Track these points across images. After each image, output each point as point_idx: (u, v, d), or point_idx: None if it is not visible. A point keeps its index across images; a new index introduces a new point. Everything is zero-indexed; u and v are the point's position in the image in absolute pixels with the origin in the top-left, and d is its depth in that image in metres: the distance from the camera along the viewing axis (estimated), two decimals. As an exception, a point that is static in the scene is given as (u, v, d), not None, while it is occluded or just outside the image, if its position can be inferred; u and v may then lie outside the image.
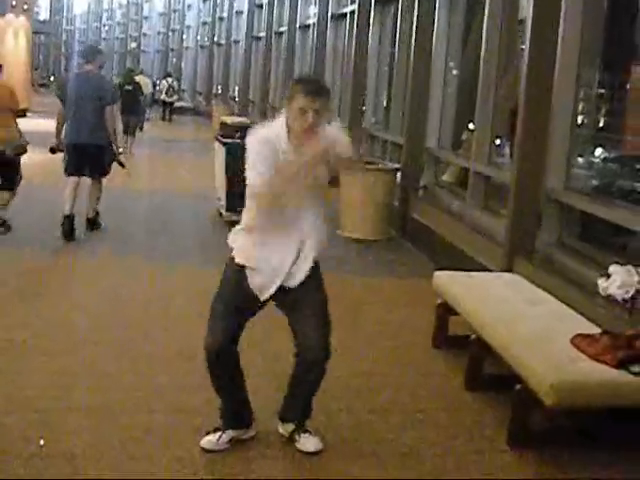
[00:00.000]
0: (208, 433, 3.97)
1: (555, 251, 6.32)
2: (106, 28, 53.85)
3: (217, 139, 10.30)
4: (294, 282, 3.82)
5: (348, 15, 14.85)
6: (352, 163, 4.38)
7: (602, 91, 7.23)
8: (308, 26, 18.67)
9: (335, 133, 3.89)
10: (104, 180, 9.00)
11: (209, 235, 9.44)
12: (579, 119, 6.74)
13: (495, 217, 7.53)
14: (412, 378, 5.11)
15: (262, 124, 4.00)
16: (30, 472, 3.62)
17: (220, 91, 29.86)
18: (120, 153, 8.93)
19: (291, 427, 4.05)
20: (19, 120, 8.85)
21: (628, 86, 7.22)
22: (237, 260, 3.87)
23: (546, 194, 6.41)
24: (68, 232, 8.39)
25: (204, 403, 4.41)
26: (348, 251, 8.52)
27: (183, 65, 37.83)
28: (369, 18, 12.87)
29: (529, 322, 4.72)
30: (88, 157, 8.50)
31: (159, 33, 42.27)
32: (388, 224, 9.52)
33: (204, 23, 34.38)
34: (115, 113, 8.71)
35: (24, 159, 8.81)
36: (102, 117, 8.39)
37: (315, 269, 3.88)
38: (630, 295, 5.00)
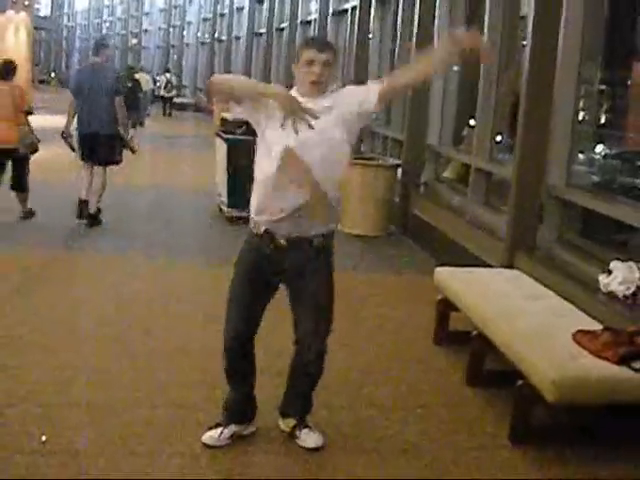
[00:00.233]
0: (210, 429, 3.97)
1: (556, 247, 6.32)
2: (107, 24, 53.78)
3: (218, 135, 10.31)
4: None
5: (349, 11, 14.84)
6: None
7: (603, 87, 7.22)
8: (309, 22, 18.66)
9: (349, 89, 3.84)
10: (108, 174, 9.12)
11: (210, 231, 9.45)
12: (580, 115, 6.73)
13: (496, 213, 7.53)
14: (413, 374, 5.11)
15: None
16: (32, 468, 3.62)
17: (221, 87, 29.78)
18: (130, 139, 9.21)
19: (292, 422, 4.05)
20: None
21: (629, 82, 7.22)
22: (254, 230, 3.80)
23: (547, 190, 6.40)
24: (84, 215, 8.86)
25: (205, 399, 4.42)
26: (349, 247, 8.51)
27: (184, 61, 37.78)
28: (370, 14, 12.85)
29: (530, 318, 4.71)
30: (99, 146, 8.78)
31: (160, 29, 42.21)
32: (389, 220, 9.52)
33: (205, 19, 34.35)
34: (122, 103, 8.93)
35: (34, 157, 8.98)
36: (111, 107, 8.68)
37: (327, 265, 3.86)
38: (631, 291, 5.01)
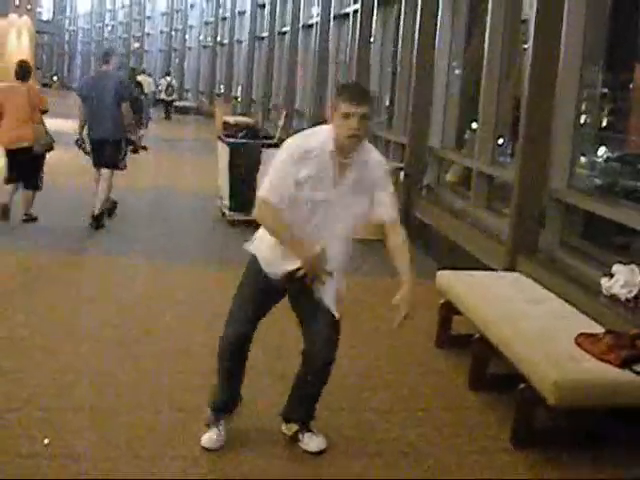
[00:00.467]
0: (206, 432, 3.98)
1: (558, 250, 6.32)
2: (109, 28, 53.84)
3: (220, 139, 10.31)
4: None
5: (351, 15, 14.86)
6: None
7: (605, 90, 7.23)
8: (311, 26, 18.68)
9: (378, 163, 3.87)
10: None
11: (212, 234, 9.45)
12: (582, 118, 6.73)
13: (498, 216, 7.53)
14: (415, 377, 5.11)
15: (306, 132, 3.92)
16: (34, 471, 3.61)
17: (223, 91, 29.88)
18: (139, 138, 9.67)
19: (294, 427, 4.06)
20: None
21: (631, 85, 7.22)
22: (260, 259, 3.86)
23: (549, 193, 6.41)
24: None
25: (207, 401, 4.41)
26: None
27: (186, 65, 37.84)
28: (372, 18, 12.87)
29: (532, 321, 4.71)
30: (105, 151, 9.02)
31: (162, 33, 42.28)
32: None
33: (207, 23, 34.38)
34: (128, 109, 9.15)
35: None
36: (117, 113, 8.91)
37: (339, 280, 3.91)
38: (633, 295, 5.00)
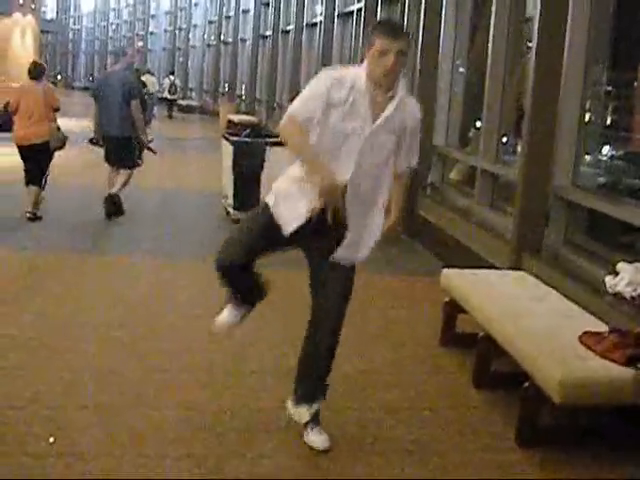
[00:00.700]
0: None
1: (562, 248, 6.32)
2: (113, 27, 53.91)
3: (224, 137, 10.32)
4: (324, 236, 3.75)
5: (355, 13, 14.86)
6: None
7: (610, 89, 7.22)
8: (315, 24, 18.67)
9: (413, 109, 3.81)
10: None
11: (216, 234, 9.44)
12: (587, 117, 6.72)
13: (502, 215, 7.52)
14: (419, 375, 5.11)
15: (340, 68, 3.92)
16: (39, 469, 3.62)
17: (227, 89, 29.90)
18: (149, 141, 9.77)
19: (304, 412, 3.99)
20: None
21: (636, 83, 7.21)
22: (279, 220, 3.78)
23: (554, 192, 6.40)
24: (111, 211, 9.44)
25: (212, 400, 4.43)
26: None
27: (190, 64, 37.86)
28: (376, 16, 12.85)
29: (536, 319, 4.71)
30: (118, 148, 9.33)
31: (166, 32, 42.30)
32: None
33: (211, 22, 34.39)
34: (138, 106, 9.43)
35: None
36: (127, 111, 9.21)
37: None
38: (638, 293, 4.99)
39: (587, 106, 6.65)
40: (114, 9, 54.19)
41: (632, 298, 4.99)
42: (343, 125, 3.64)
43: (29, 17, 27.42)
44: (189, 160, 17.46)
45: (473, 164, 8.52)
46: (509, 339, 4.54)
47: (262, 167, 9.23)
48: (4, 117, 9.37)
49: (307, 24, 19.47)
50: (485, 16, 8.81)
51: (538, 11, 6.47)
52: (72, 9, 63.14)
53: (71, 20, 63.48)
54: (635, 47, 6.85)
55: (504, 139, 8.27)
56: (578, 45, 6.24)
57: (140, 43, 46.34)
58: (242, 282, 4.00)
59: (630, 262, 5.19)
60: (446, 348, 5.61)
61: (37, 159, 9.13)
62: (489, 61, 8.04)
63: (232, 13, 30.21)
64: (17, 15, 26.64)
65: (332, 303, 3.84)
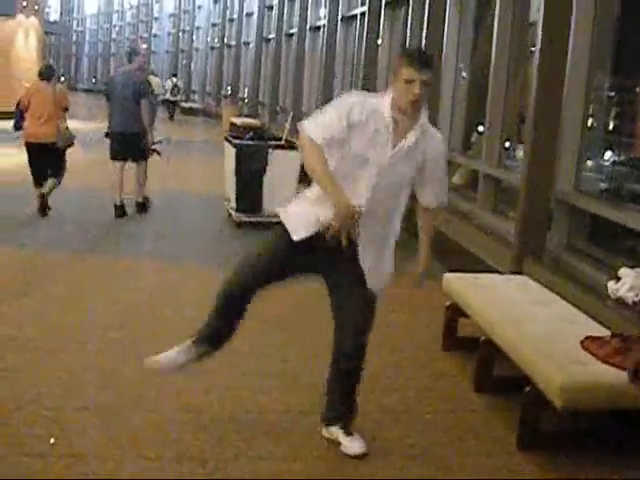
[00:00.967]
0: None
1: (565, 253, 6.31)
2: (116, 29, 53.98)
3: (227, 140, 10.33)
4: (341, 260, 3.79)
5: (358, 17, 14.87)
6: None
7: (612, 94, 7.22)
8: (318, 28, 18.70)
9: (435, 140, 3.85)
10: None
11: (219, 236, 9.45)
12: (589, 122, 6.72)
13: (505, 219, 7.52)
14: (421, 380, 5.10)
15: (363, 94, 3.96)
16: (40, 471, 3.62)
17: (230, 92, 29.94)
18: (155, 142, 10.20)
19: (336, 432, 4.02)
20: None
21: (638, 89, 7.20)
22: (288, 226, 3.80)
23: (556, 196, 6.40)
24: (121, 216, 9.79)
25: (213, 402, 4.42)
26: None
27: (193, 66, 37.90)
28: (379, 20, 12.87)
29: (538, 324, 4.71)
30: (128, 143, 9.73)
31: (169, 34, 42.35)
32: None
33: (214, 24, 34.43)
34: (147, 105, 9.81)
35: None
36: (137, 109, 9.58)
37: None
38: (640, 298, 4.99)
39: (590, 111, 6.65)
40: (117, 11, 54.27)
41: (634, 303, 4.98)
42: (363, 151, 3.68)
43: (32, 19, 27.46)
44: (192, 162, 17.45)
45: (476, 168, 8.52)
46: (510, 343, 4.53)
47: (265, 170, 9.24)
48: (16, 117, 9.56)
49: (310, 27, 19.49)
50: (488, 21, 8.81)
51: (541, 16, 6.48)
52: (76, 11, 63.26)
53: (74, 22, 63.60)
54: (638, 52, 6.86)
55: (507, 144, 8.27)
56: (581, 50, 6.25)
57: (144, 45, 46.44)
58: (232, 316, 4.02)
59: (632, 267, 5.19)
60: (447, 352, 5.61)
61: (45, 159, 9.32)
62: (492, 65, 8.05)
63: (235, 16, 30.25)
64: (20, 17, 26.67)
65: (356, 318, 3.87)
